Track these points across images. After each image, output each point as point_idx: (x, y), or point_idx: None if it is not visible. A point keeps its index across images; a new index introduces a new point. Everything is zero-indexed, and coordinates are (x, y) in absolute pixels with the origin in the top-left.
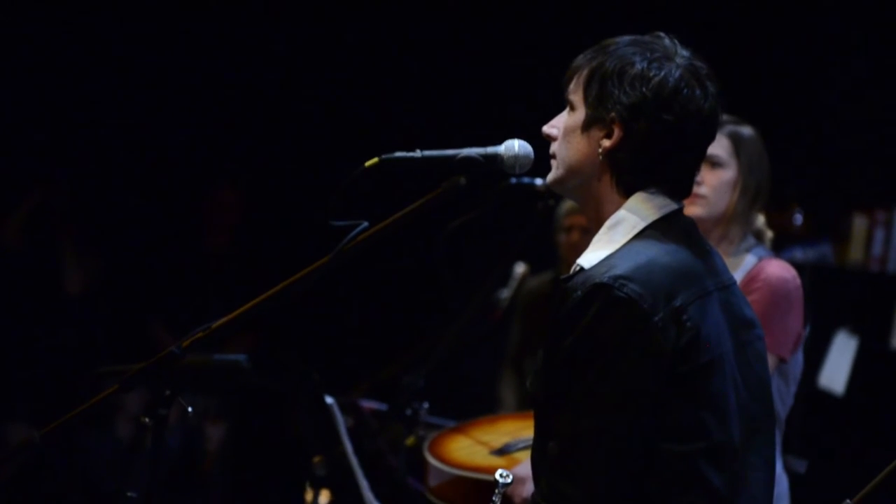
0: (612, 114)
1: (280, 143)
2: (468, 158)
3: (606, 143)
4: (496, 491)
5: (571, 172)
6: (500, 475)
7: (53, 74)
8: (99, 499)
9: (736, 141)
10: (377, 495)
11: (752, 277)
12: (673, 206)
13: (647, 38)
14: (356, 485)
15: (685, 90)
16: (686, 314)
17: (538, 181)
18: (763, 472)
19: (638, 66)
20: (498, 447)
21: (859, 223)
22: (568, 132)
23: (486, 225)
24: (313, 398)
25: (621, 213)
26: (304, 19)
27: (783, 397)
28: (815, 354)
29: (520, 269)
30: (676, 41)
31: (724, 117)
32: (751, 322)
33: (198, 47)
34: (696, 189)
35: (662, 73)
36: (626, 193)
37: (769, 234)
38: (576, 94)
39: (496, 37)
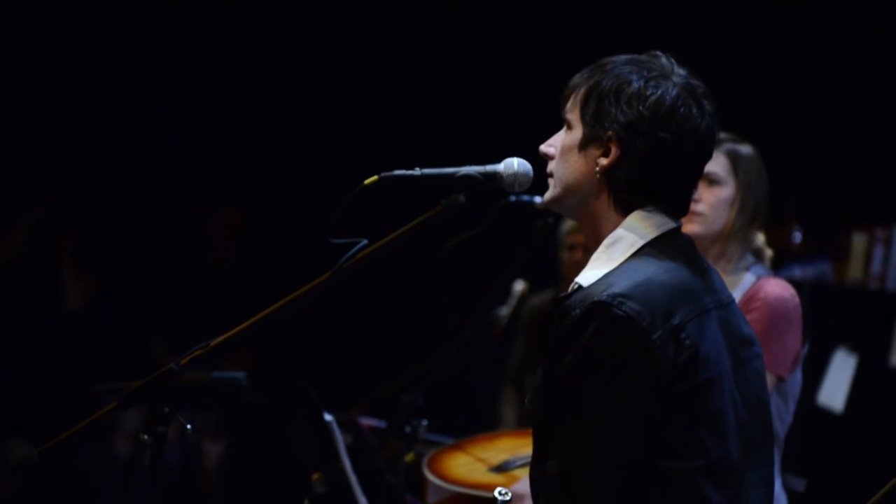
0: (609, 132)
1: (281, 161)
2: (467, 176)
3: (603, 161)
4: None
5: (569, 191)
6: (499, 493)
7: (55, 90)
8: None
9: (734, 159)
10: None
11: (750, 296)
12: (671, 224)
13: (643, 56)
14: (355, 502)
15: (682, 108)
16: (684, 332)
17: (537, 199)
18: (762, 490)
19: (635, 85)
20: (497, 464)
21: (858, 241)
22: (565, 151)
23: (486, 243)
24: (312, 415)
25: (619, 232)
26: (306, 38)
27: (782, 416)
28: (814, 372)
29: (519, 286)
30: (673, 60)
31: (723, 135)
32: (749, 340)
33: (199, 63)
34: (693, 206)
35: (659, 92)
36: (624, 212)
37: (769, 252)
38: (573, 113)
39: (495, 55)
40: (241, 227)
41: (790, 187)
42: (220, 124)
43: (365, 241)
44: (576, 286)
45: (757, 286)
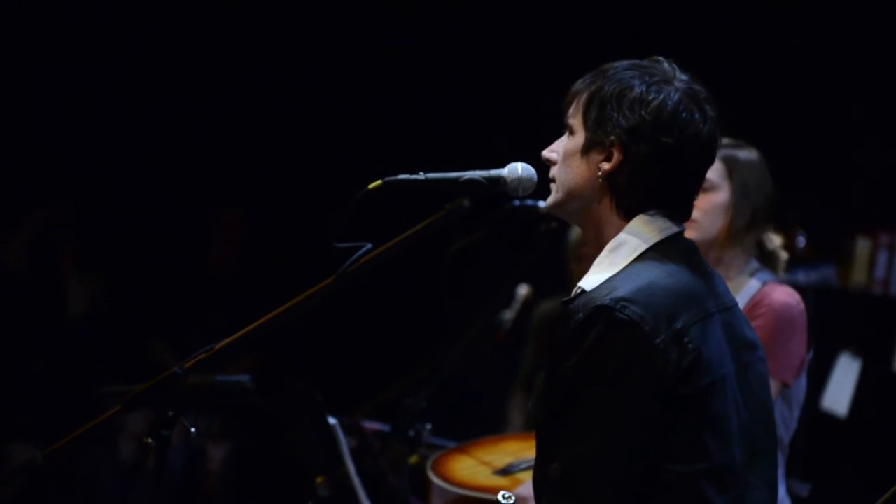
0: (612, 137)
1: (283, 164)
2: (471, 181)
3: (606, 166)
4: None
5: (571, 196)
6: (503, 496)
7: (57, 94)
8: None
9: (729, 164)
10: None
11: (756, 303)
12: (674, 228)
13: (645, 62)
14: None
15: (684, 113)
16: (687, 336)
17: (541, 204)
18: (765, 494)
19: (637, 90)
20: (501, 467)
21: (862, 246)
22: (567, 156)
23: (490, 247)
24: (316, 419)
25: (623, 236)
26: (308, 38)
27: (786, 422)
28: (818, 377)
29: (523, 290)
30: (675, 65)
31: (725, 140)
32: (752, 344)
33: (201, 67)
34: None
35: (661, 97)
36: (627, 216)
37: (784, 255)
38: (575, 118)
39: (499, 60)
40: (244, 230)
41: (794, 192)
42: (222, 126)
43: (369, 245)
44: (579, 290)
45: (762, 293)
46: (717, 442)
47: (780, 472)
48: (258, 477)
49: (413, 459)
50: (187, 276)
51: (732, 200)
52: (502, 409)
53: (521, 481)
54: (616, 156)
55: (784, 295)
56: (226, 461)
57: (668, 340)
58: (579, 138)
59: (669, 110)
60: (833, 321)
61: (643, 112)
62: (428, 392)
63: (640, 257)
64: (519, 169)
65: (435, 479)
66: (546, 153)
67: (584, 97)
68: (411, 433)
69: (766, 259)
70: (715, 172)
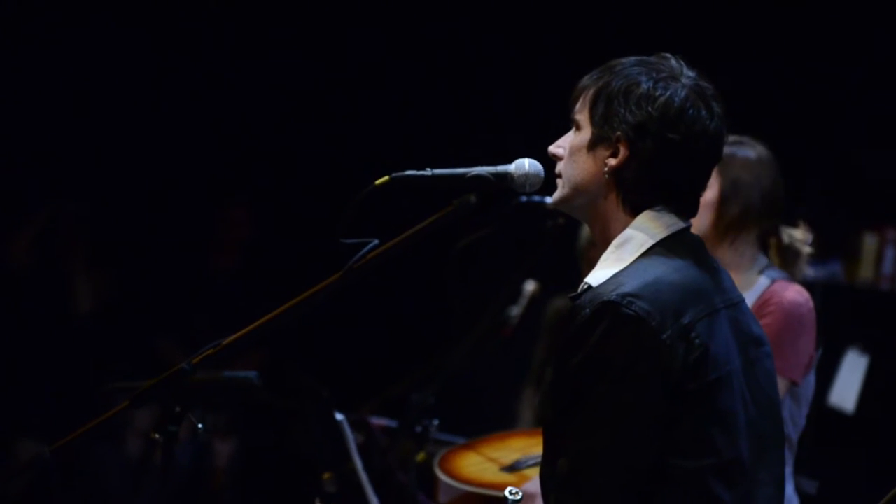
0: (618, 133)
1: (290, 161)
2: (479, 177)
3: (612, 161)
4: None
5: (577, 191)
6: (510, 492)
7: (63, 92)
8: None
9: (721, 161)
10: None
11: (765, 301)
12: (680, 224)
13: (653, 58)
14: (366, 502)
15: (691, 110)
16: (694, 332)
17: (548, 200)
18: (772, 489)
19: (644, 86)
20: (508, 464)
21: (869, 242)
22: (574, 151)
23: (497, 243)
24: (323, 415)
25: (629, 232)
26: (314, 37)
27: (795, 419)
28: (826, 373)
29: (530, 286)
30: (682, 62)
31: (730, 138)
32: (759, 339)
33: (208, 65)
34: None
35: (668, 93)
36: (633, 212)
37: (805, 250)
38: (582, 114)
39: (505, 57)
40: (251, 227)
41: (801, 189)
42: (228, 124)
43: (376, 242)
44: (585, 286)
45: (771, 290)
46: (724, 437)
47: (789, 469)
48: (265, 473)
49: (420, 457)
50: (195, 274)
51: (720, 197)
52: (510, 405)
53: (529, 478)
54: (622, 151)
55: (793, 293)
56: (233, 457)
57: (674, 336)
58: (586, 134)
59: (676, 107)
60: (840, 317)
61: (650, 108)
62: (435, 388)
63: (647, 253)
64: (526, 165)
65: (442, 476)
66: (552, 149)
67: (591, 93)
68: (419, 429)
69: (785, 255)
70: None
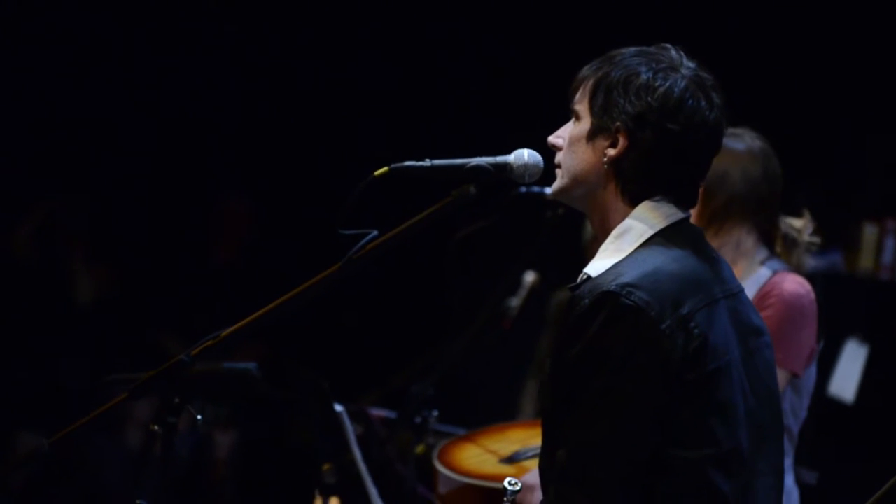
0: (618, 123)
1: (289, 154)
2: (478, 167)
3: (611, 152)
4: (504, 499)
5: (576, 182)
6: (509, 483)
7: (62, 86)
8: None
9: None
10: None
11: (766, 293)
12: (679, 214)
13: (652, 49)
14: (365, 493)
15: (690, 101)
16: (693, 322)
17: (547, 190)
18: (771, 479)
19: (644, 77)
20: (507, 455)
21: (869, 232)
22: (573, 142)
23: (496, 234)
24: (322, 406)
25: (628, 222)
26: (313, 31)
27: (796, 411)
28: (826, 363)
29: (529, 277)
30: (682, 52)
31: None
32: (759, 329)
33: (206, 59)
34: None
35: (668, 84)
36: (632, 202)
37: (804, 239)
38: (581, 104)
39: (504, 47)
40: (251, 219)
41: (801, 179)
42: (227, 118)
43: (375, 232)
44: (584, 276)
45: (772, 282)
46: (723, 428)
47: (789, 461)
48: (265, 464)
49: (420, 449)
50: (195, 266)
51: (704, 188)
52: (509, 397)
53: (528, 469)
54: (622, 142)
55: (794, 284)
56: (233, 449)
57: (673, 326)
58: (585, 124)
59: (676, 97)
60: (840, 307)
61: (649, 98)
62: (434, 379)
63: (646, 243)
64: (525, 155)
65: (441, 468)
66: (552, 139)
67: (590, 83)
68: (418, 420)
69: (784, 245)
70: None
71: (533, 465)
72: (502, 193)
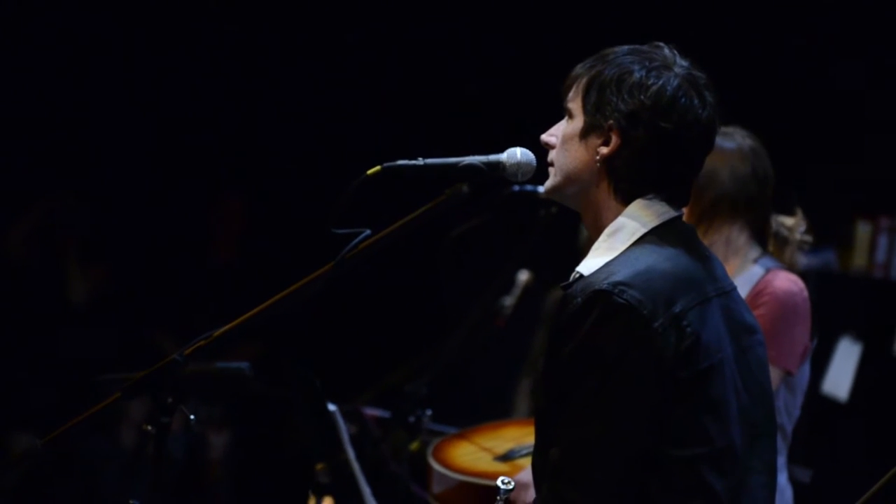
0: (610, 121)
1: (284, 153)
2: (470, 166)
3: (604, 150)
4: (498, 498)
5: (569, 180)
6: (502, 482)
7: (58, 85)
8: None
9: None
10: (380, 503)
11: (759, 291)
12: (672, 212)
13: (645, 47)
14: (359, 492)
15: (683, 99)
16: (686, 320)
17: (541, 189)
18: (764, 476)
19: (636, 75)
20: (502, 453)
21: (863, 230)
22: (566, 140)
23: (489, 232)
24: (316, 406)
25: (621, 220)
26: (308, 30)
27: (790, 409)
28: (819, 361)
29: (523, 276)
30: (675, 51)
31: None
32: (751, 327)
33: (202, 58)
34: None
35: (661, 82)
36: (625, 201)
37: (796, 237)
38: (574, 103)
39: (498, 46)
40: (246, 219)
41: (794, 176)
42: (223, 117)
43: (368, 232)
44: (577, 275)
45: (765, 280)
46: (716, 426)
47: (782, 459)
48: (259, 464)
49: (414, 446)
50: (190, 265)
51: (694, 187)
52: (503, 395)
53: (522, 467)
54: (614, 140)
55: (787, 282)
56: (226, 448)
57: (666, 324)
58: (578, 122)
59: (669, 96)
60: (834, 305)
61: (642, 97)
62: (428, 378)
63: (639, 241)
64: (518, 154)
65: (435, 466)
66: (545, 137)
67: (583, 81)
68: (412, 420)
69: (775, 243)
70: None
71: (527, 462)
72: (495, 192)
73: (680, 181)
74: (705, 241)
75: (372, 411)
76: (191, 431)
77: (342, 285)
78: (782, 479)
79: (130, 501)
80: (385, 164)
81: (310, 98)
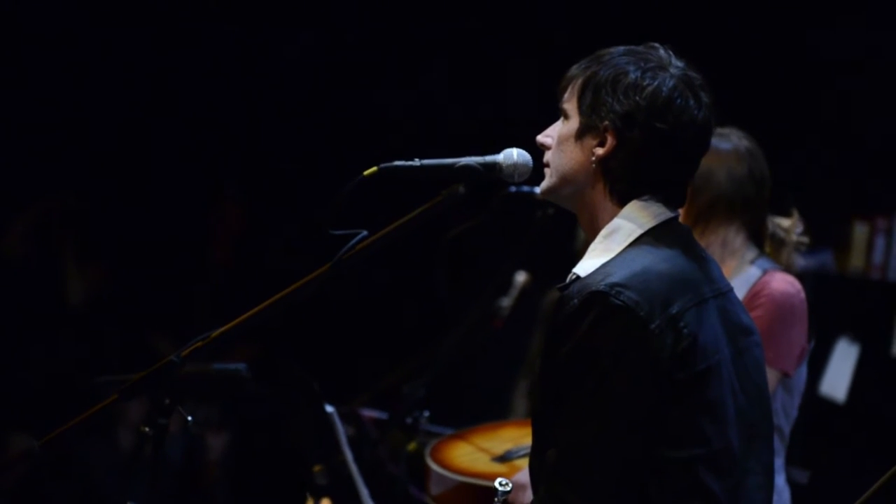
0: (606, 122)
1: (284, 153)
2: (467, 167)
3: (599, 151)
4: (496, 500)
5: (565, 181)
6: (500, 483)
7: (57, 85)
8: None
9: None
10: None
11: (756, 292)
12: (668, 213)
13: (641, 48)
14: (357, 494)
15: (678, 100)
16: (683, 321)
17: (537, 190)
18: (761, 478)
19: (632, 76)
20: (499, 454)
21: (860, 231)
22: (562, 141)
23: (486, 233)
24: (314, 407)
25: (617, 221)
26: (309, 30)
27: (787, 410)
28: (817, 362)
29: (520, 277)
30: (671, 52)
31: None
32: (748, 329)
33: (203, 57)
34: None
35: (656, 83)
36: (620, 202)
37: (791, 239)
38: (570, 103)
39: (494, 46)
40: (244, 220)
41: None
42: (221, 118)
43: (365, 233)
44: (573, 276)
45: (762, 282)
46: (713, 427)
47: (780, 461)
48: (256, 466)
49: (411, 447)
50: (188, 266)
51: (690, 188)
52: (501, 396)
53: (520, 468)
54: (610, 141)
55: (784, 284)
56: (224, 450)
57: (663, 326)
58: (573, 123)
59: (664, 96)
60: (831, 306)
61: (638, 98)
62: (426, 380)
63: (635, 243)
64: (514, 155)
65: (433, 466)
66: (540, 138)
67: (579, 82)
68: (409, 421)
69: (776, 245)
70: None
71: (525, 463)
72: (492, 193)
73: (676, 182)
74: (702, 243)
75: (369, 412)
76: (188, 433)
77: (340, 286)
78: (780, 480)
79: (128, 503)
80: (382, 165)
81: (310, 98)
